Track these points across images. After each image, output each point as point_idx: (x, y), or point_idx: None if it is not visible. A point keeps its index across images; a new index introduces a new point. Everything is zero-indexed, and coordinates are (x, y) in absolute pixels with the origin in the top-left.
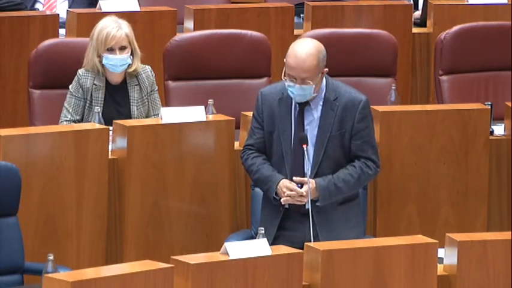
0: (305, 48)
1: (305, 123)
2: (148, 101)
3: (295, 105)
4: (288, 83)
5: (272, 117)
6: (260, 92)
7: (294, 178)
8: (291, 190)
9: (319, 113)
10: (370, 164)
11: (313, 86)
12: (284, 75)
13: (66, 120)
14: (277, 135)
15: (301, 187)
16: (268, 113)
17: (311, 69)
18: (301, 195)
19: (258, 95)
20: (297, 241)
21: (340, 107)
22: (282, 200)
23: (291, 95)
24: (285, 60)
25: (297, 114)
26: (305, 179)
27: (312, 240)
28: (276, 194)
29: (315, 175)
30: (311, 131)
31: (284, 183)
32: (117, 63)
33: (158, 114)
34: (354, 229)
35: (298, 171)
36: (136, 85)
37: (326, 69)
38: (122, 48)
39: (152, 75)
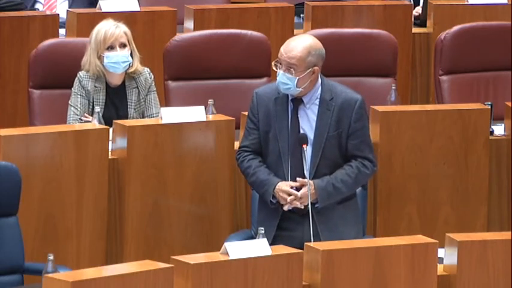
0: (300, 39)
1: (301, 123)
2: (144, 102)
3: (290, 104)
4: (274, 68)
5: (268, 117)
6: (255, 92)
7: (298, 179)
8: (289, 194)
9: (315, 114)
10: (367, 163)
11: (296, 78)
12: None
13: (76, 119)
14: (274, 135)
15: (297, 189)
16: (263, 113)
17: (297, 57)
18: (300, 198)
19: (252, 95)
20: (296, 241)
21: (337, 107)
22: (284, 207)
23: (276, 85)
24: None
25: (292, 113)
26: (305, 180)
27: (312, 240)
28: (273, 197)
29: (313, 176)
30: (308, 132)
31: (280, 187)
32: (118, 60)
33: (153, 114)
34: (352, 228)
35: (297, 171)
36: (134, 88)
37: (317, 68)
38: (122, 46)
39: (150, 78)
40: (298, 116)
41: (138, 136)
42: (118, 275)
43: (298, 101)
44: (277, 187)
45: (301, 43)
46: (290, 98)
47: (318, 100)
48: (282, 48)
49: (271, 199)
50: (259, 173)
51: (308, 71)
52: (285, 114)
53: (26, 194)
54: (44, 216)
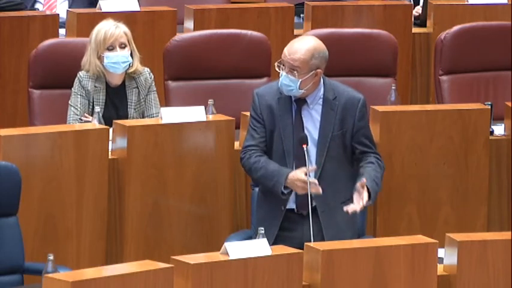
0: (304, 41)
1: (305, 123)
2: (144, 102)
3: (294, 104)
4: (277, 69)
5: (272, 116)
6: (255, 92)
7: (359, 183)
8: (304, 182)
9: (319, 114)
10: (379, 157)
11: (299, 80)
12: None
13: (76, 119)
14: (278, 134)
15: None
16: (267, 112)
17: (300, 60)
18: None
19: (253, 96)
20: (296, 242)
21: (340, 106)
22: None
23: (279, 86)
24: None
25: (295, 114)
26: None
27: (312, 240)
28: (285, 187)
29: (319, 176)
30: (312, 132)
31: (295, 176)
32: (118, 60)
33: (153, 114)
34: (350, 228)
35: None
36: (134, 88)
37: (319, 70)
38: (122, 46)
39: (150, 78)
40: (302, 116)
41: (138, 136)
42: (118, 275)
43: (301, 101)
44: (291, 176)
45: (305, 45)
46: (293, 99)
47: (321, 100)
48: (285, 50)
49: (283, 189)
50: (269, 166)
51: (311, 73)
52: (288, 115)
53: (26, 194)
54: (44, 216)
